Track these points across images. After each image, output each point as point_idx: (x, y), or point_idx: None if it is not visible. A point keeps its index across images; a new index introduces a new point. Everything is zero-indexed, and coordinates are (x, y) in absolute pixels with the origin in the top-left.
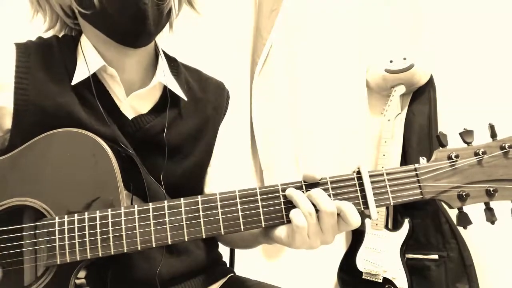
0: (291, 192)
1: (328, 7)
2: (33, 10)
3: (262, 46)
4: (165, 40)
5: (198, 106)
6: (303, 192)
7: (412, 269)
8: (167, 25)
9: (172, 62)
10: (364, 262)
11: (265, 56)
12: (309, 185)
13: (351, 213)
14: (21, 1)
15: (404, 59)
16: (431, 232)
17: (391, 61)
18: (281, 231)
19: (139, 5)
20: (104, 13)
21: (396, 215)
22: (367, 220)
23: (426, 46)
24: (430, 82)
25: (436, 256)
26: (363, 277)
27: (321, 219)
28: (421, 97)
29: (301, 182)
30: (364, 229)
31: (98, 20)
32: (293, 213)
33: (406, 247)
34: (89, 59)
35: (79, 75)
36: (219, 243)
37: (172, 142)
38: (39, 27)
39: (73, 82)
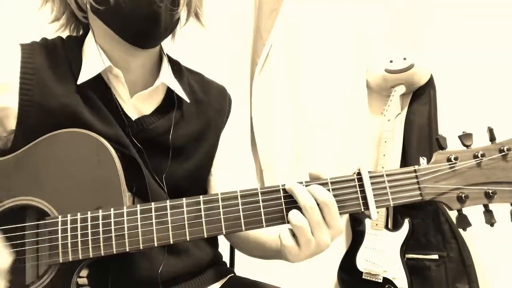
0: (291, 186)
1: (328, 7)
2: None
3: (262, 46)
4: (167, 40)
5: (200, 108)
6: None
7: (412, 269)
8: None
9: (175, 65)
10: (364, 262)
11: (265, 56)
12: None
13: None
14: (23, 1)
15: (404, 59)
16: (431, 232)
17: (391, 61)
18: (287, 240)
19: (153, 7)
20: (118, 10)
21: (396, 215)
22: (367, 220)
23: (426, 46)
24: (430, 82)
25: (436, 256)
26: (363, 277)
27: (322, 210)
28: (421, 97)
29: (302, 183)
30: (364, 229)
31: (110, 17)
32: (290, 215)
33: (406, 247)
34: (96, 58)
35: (85, 74)
36: (219, 244)
37: (175, 143)
38: (43, 22)
39: (79, 82)
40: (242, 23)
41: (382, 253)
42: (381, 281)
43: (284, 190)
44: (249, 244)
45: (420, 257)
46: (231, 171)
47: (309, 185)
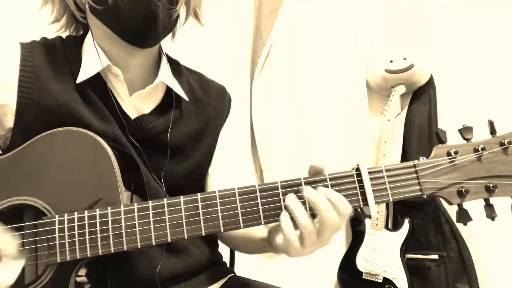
0: (290, 203)
1: (328, 7)
2: (43, 0)
3: (262, 46)
4: (166, 40)
5: (199, 107)
6: (303, 189)
7: (412, 269)
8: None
9: (175, 64)
10: (364, 262)
11: (265, 56)
12: (309, 182)
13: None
14: (24, 2)
15: (404, 59)
16: (431, 232)
17: (391, 61)
18: (279, 241)
19: (151, 7)
20: (116, 10)
21: (396, 215)
22: (367, 220)
23: (426, 46)
24: (430, 82)
25: (436, 256)
26: (363, 277)
27: (321, 232)
28: (421, 97)
29: (301, 179)
30: (364, 229)
31: (108, 17)
32: (284, 224)
33: (406, 247)
34: (95, 57)
35: (84, 73)
36: (219, 244)
37: (174, 142)
38: (43, 22)
39: (78, 80)
40: (242, 23)
41: (382, 253)
42: (381, 281)
43: (282, 187)
44: (236, 238)
45: (420, 257)
46: (228, 170)
47: (307, 181)
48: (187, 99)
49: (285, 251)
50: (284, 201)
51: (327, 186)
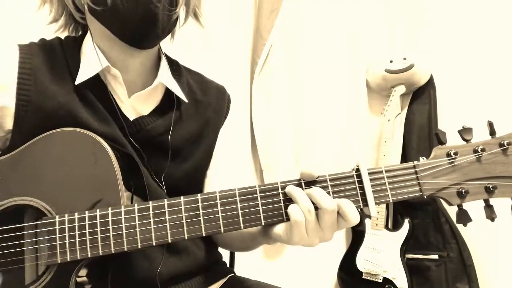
0: (291, 190)
1: (328, 7)
2: (41, 0)
3: (262, 46)
4: (166, 40)
5: (199, 108)
6: (302, 189)
7: (412, 269)
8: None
9: (174, 65)
10: (364, 262)
11: (265, 56)
12: (308, 182)
13: (350, 210)
14: (22, 2)
15: (404, 59)
16: (431, 232)
17: (391, 61)
18: (279, 228)
19: (150, 7)
20: (115, 11)
21: (396, 215)
22: (367, 220)
23: (425, 46)
24: (430, 82)
25: (436, 256)
26: (363, 277)
27: (321, 217)
28: (421, 97)
29: (301, 180)
30: (364, 229)
31: (107, 18)
32: (291, 208)
33: (406, 247)
34: (94, 58)
35: (83, 75)
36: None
37: (173, 144)
38: (42, 22)
39: (77, 82)
40: (242, 23)
41: (382, 253)
42: (381, 281)
43: (282, 187)
44: (232, 235)
45: (420, 257)
46: (227, 170)
47: (308, 188)
48: (186, 100)
49: (287, 238)
50: (283, 195)
51: (327, 187)
